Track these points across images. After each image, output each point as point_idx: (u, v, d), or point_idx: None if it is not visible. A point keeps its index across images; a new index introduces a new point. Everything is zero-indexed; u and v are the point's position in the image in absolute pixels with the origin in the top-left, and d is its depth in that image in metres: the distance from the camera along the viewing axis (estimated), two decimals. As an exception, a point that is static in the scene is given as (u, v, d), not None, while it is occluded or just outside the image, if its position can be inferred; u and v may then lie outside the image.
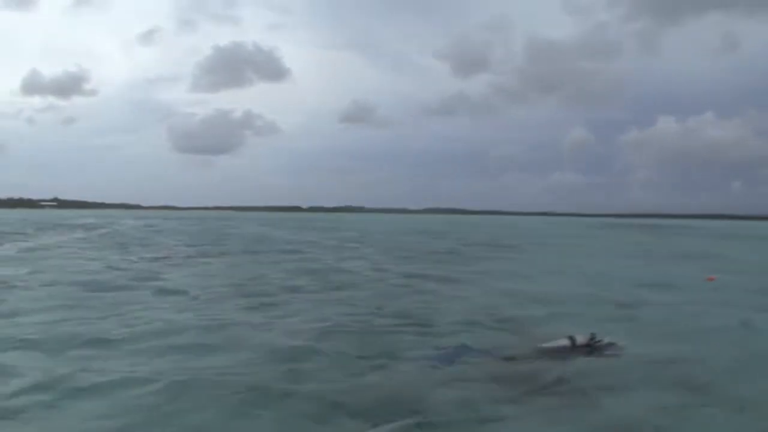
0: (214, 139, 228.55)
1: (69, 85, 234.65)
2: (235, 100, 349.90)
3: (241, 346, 7.22)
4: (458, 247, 29.04)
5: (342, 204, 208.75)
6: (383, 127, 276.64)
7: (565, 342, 7.02)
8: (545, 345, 7.04)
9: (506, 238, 41.14)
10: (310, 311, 9.80)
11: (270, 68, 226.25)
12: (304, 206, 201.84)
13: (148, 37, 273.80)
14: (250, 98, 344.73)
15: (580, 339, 7.04)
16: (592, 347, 6.99)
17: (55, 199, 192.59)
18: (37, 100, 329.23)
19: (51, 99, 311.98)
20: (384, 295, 11.75)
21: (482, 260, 21.26)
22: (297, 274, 15.25)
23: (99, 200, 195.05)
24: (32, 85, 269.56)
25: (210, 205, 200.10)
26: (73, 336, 7.58)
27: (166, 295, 11.39)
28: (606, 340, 7.15)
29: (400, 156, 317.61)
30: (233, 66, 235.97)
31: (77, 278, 13.56)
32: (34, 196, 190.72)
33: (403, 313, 9.67)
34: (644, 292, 12.61)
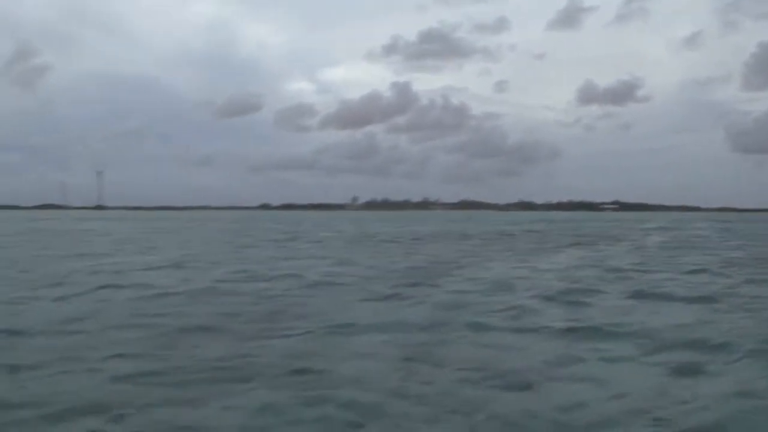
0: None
1: (623, 92, 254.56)
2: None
3: None
4: None
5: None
6: None
7: None
8: None
9: None
10: None
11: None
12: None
13: (692, 40, 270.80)
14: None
15: None
16: None
17: (615, 202, 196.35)
18: (593, 109, 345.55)
19: (607, 107, 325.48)
20: None
21: None
22: None
23: (659, 203, 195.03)
24: (587, 95, 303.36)
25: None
26: None
27: None
28: None
29: None
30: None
31: None
32: (595, 200, 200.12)
33: None
34: None
